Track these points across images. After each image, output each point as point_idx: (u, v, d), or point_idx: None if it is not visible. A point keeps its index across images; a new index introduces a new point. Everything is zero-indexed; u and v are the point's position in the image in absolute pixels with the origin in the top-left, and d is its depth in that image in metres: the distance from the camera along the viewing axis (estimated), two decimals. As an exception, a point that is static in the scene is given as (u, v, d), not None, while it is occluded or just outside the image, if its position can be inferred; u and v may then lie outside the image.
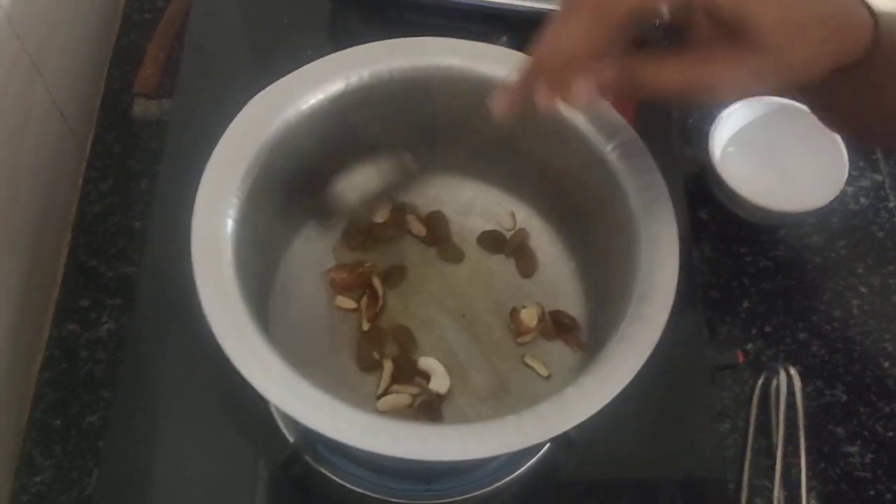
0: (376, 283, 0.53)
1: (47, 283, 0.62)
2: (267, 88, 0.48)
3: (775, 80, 0.37)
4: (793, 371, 0.60)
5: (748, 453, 0.58)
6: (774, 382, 0.60)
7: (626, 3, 0.35)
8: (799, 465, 0.58)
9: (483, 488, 0.53)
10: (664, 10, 0.35)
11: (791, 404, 0.59)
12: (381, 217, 0.56)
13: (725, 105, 0.67)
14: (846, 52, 0.38)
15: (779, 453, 0.58)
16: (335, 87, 0.48)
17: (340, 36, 0.74)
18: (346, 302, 0.53)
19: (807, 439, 0.58)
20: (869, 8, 0.39)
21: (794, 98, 0.66)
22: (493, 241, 0.56)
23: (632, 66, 0.37)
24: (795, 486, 0.57)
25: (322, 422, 0.39)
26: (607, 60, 0.37)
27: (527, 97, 0.39)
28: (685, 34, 0.39)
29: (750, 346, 0.63)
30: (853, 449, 0.60)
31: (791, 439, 0.59)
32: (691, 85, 0.37)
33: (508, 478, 0.54)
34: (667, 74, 0.37)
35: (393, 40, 0.49)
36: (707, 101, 0.37)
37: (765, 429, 0.60)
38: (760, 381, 0.60)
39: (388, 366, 0.52)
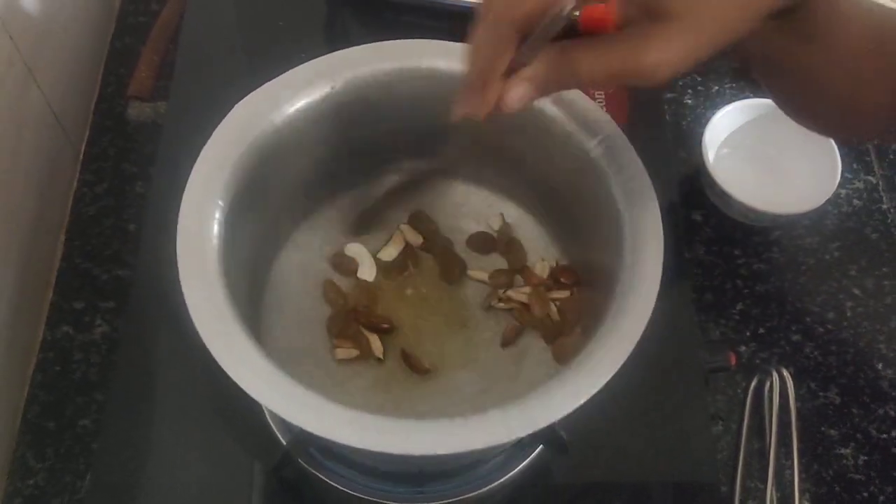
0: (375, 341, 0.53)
1: (41, 284, 0.62)
2: (253, 92, 0.48)
3: (696, 53, 0.36)
4: (786, 373, 0.60)
5: (741, 455, 0.58)
6: (767, 384, 0.60)
7: (523, 6, 0.35)
8: (792, 466, 0.58)
9: (475, 491, 0.53)
10: (565, 6, 0.34)
11: (784, 406, 0.59)
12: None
13: (718, 107, 0.67)
14: (749, 21, 0.37)
15: (771, 455, 0.58)
16: (321, 90, 0.48)
17: (336, 38, 0.74)
18: (348, 352, 0.53)
19: (800, 441, 0.59)
20: None
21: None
22: (482, 243, 0.56)
23: (563, 58, 0.37)
24: (788, 487, 0.58)
25: (308, 418, 0.38)
26: (538, 57, 0.37)
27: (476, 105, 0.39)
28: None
29: (743, 348, 0.63)
30: (846, 451, 0.60)
31: (784, 441, 0.59)
32: (623, 72, 0.36)
33: (500, 480, 0.54)
34: (600, 62, 0.36)
35: (379, 43, 0.49)
36: (645, 84, 0.36)
37: (758, 431, 0.60)
38: (754, 383, 0.61)
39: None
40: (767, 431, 0.59)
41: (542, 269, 0.55)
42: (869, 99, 0.44)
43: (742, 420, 0.60)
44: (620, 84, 0.37)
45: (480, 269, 0.56)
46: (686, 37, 0.35)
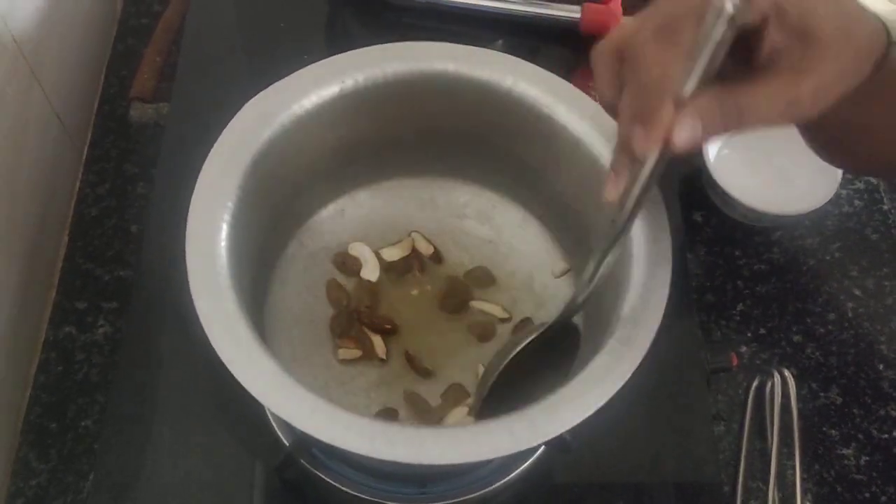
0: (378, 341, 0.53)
1: (44, 285, 0.63)
2: (262, 93, 0.48)
3: (836, 86, 0.35)
4: (787, 373, 0.60)
5: (742, 455, 0.58)
6: (769, 385, 0.60)
7: (692, 14, 0.32)
8: (794, 467, 0.58)
9: (478, 491, 0.53)
10: (730, 7, 0.31)
11: (786, 407, 0.59)
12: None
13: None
14: (871, 58, 0.37)
15: (773, 455, 0.58)
16: (330, 91, 0.48)
17: (337, 40, 0.75)
18: (351, 353, 0.53)
19: (801, 441, 0.59)
20: (885, 25, 0.37)
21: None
22: (482, 277, 0.56)
23: (728, 94, 0.34)
24: (790, 488, 0.58)
25: (318, 426, 0.39)
26: (702, 94, 0.33)
27: (631, 166, 0.36)
28: (751, 54, 0.36)
29: (744, 348, 0.63)
30: (848, 451, 0.60)
31: (786, 441, 0.59)
32: (792, 103, 0.34)
33: (503, 481, 0.54)
34: (767, 98, 0.34)
35: (388, 44, 0.49)
36: (800, 121, 0.35)
37: (759, 431, 0.60)
38: (755, 384, 0.61)
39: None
40: (769, 432, 0.59)
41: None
42: None
43: (743, 420, 0.60)
44: (790, 119, 0.35)
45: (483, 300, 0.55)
46: (838, 63, 0.34)
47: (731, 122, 0.34)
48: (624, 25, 0.36)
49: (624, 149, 0.36)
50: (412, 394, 0.51)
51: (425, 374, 0.52)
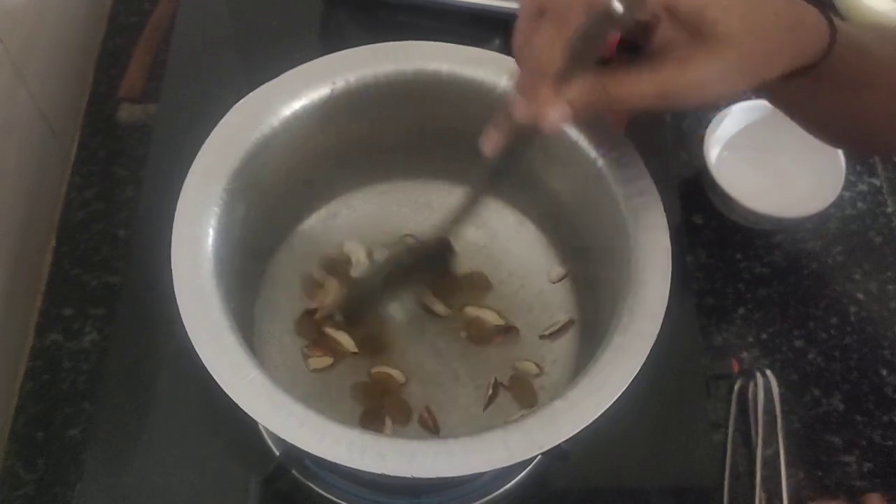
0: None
1: (31, 291, 0.61)
2: (251, 94, 0.47)
3: (739, 79, 0.37)
4: (769, 373, 0.59)
5: (728, 457, 0.57)
6: (752, 386, 0.59)
7: (584, 3, 0.35)
8: (779, 468, 0.57)
9: (473, 501, 0.52)
10: (618, 7, 0.34)
11: (770, 408, 0.58)
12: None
13: (720, 108, 0.66)
14: (804, 53, 0.39)
15: (758, 457, 0.57)
16: (321, 92, 0.48)
17: (332, 39, 0.73)
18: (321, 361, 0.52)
19: (785, 440, 0.58)
20: (829, 20, 0.39)
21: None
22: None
23: (602, 81, 0.37)
24: (777, 488, 0.57)
25: (307, 439, 0.38)
26: (576, 80, 0.37)
27: (509, 126, 0.40)
28: (643, 44, 0.39)
29: (745, 354, 0.62)
30: (850, 458, 0.59)
31: (769, 443, 0.58)
32: (664, 93, 0.36)
33: (499, 490, 0.53)
34: (639, 85, 0.37)
35: (379, 44, 0.48)
36: (676, 108, 0.38)
37: (745, 433, 0.59)
38: (737, 387, 0.59)
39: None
40: (753, 434, 0.58)
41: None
42: None
43: (728, 424, 0.58)
44: (663, 105, 0.37)
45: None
46: (735, 67, 0.36)
47: (602, 107, 0.38)
48: None
49: (507, 111, 0.40)
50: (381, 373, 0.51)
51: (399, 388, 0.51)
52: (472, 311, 0.54)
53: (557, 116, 0.37)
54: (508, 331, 0.53)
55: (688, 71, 0.36)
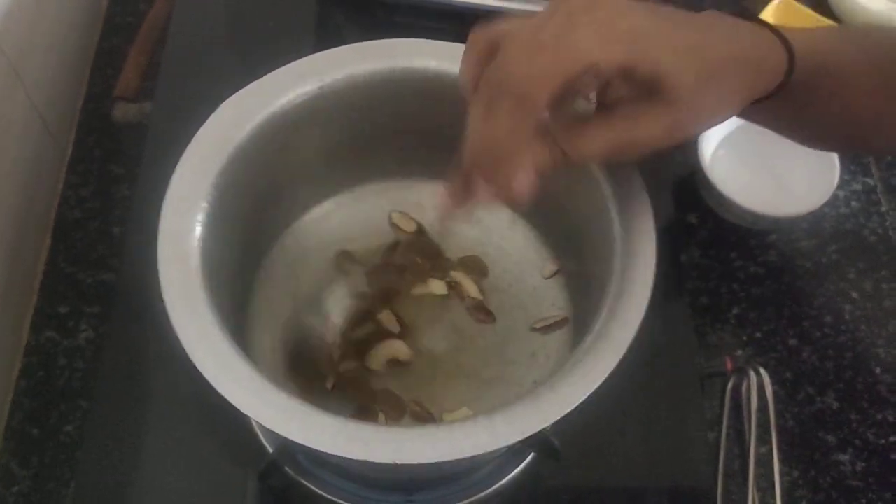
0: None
1: (26, 289, 0.62)
2: (239, 92, 0.47)
3: (693, 127, 0.38)
4: (763, 371, 0.59)
5: (721, 455, 0.57)
6: (745, 383, 0.59)
7: (546, 86, 0.34)
8: (773, 464, 0.57)
9: (466, 499, 0.52)
10: (585, 86, 0.36)
11: (763, 406, 0.58)
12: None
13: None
14: (760, 88, 0.39)
15: (751, 455, 0.57)
16: (309, 89, 0.48)
17: (327, 38, 0.73)
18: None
19: (778, 437, 0.57)
20: (784, 40, 0.40)
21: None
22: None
23: (559, 142, 0.37)
24: (770, 487, 0.57)
25: (293, 428, 0.38)
26: (536, 140, 0.37)
27: (466, 199, 0.41)
28: (597, 96, 0.39)
29: (740, 352, 0.62)
30: (844, 457, 0.59)
31: (764, 439, 0.58)
32: (616, 147, 0.37)
33: (492, 488, 0.53)
34: (592, 143, 0.37)
35: (369, 42, 0.48)
36: (628, 159, 0.39)
37: (738, 431, 0.58)
38: (730, 384, 0.59)
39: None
40: (747, 432, 0.58)
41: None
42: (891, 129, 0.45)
43: (721, 423, 0.58)
44: (616, 159, 0.38)
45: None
46: (689, 118, 0.37)
47: (559, 163, 0.38)
48: (507, 24, 0.38)
49: (466, 182, 0.40)
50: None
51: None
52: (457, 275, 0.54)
53: (524, 187, 0.37)
54: (488, 313, 0.54)
55: (639, 128, 0.37)
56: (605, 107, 0.39)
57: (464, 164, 0.38)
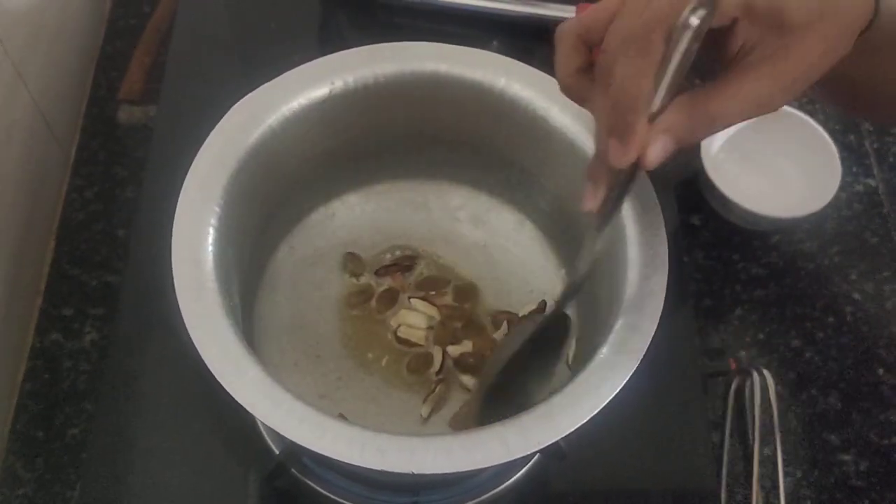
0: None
1: (30, 291, 0.62)
2: (249, 94, 0.47)
3: (830, 58, 0.35)
4: (766, 372, 0.59)
5: (725, 455, 0.57)
6: (748, 384, 0.59)
7: (664, 22, 0.32)
8: (776, 464, 0.57)
9: (472, 500, 0.52)
10: (694, 20, 0.32)
11: (766, 406, 0.58)
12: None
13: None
14: (857, 27, 0.37)
15: (755, 455, 0.57)
16: (319, 92, 0.48)
17: (330, 40, 0.74)
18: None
19: (782, 438, 0.58)
20: None
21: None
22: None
23: (696, 103, 0.35)
24: (775, 488, 0.57)
25: (307, 435, 0.38)
26: (672, 106, 0.35)
27: (608, 175, 0.37)
28: (721, 56, 0.37)
29: (743, 353, 0.62)
30: (848, 457, 0.59)
31: (767, 440, 0.58)
32: (769, 95, 0.34)
33: (497, 489, 0.53)
34: (739, 96, 0.35)
35: (378, 45, 0.49)
36: (773, 110, 0.36)
37: (742, 432, 0.59)
38: (734, 385, 0.60)
39: None
40: (750, 432, 0.58)
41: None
42: None
43: (724, 424, 0.59)
44: (766, 110, 0.35)
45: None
46: (819, 41, 0.34)
47: (702, 132, 0.35)
48: (592, 13, 0.36)
49: (601, 159, 0.37)
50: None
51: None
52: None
53: (660, 152, 0.35)
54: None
55: (787, 67, 0.34)
56: (734, 62, 0.36)
57: (597, 143, 0.37)
